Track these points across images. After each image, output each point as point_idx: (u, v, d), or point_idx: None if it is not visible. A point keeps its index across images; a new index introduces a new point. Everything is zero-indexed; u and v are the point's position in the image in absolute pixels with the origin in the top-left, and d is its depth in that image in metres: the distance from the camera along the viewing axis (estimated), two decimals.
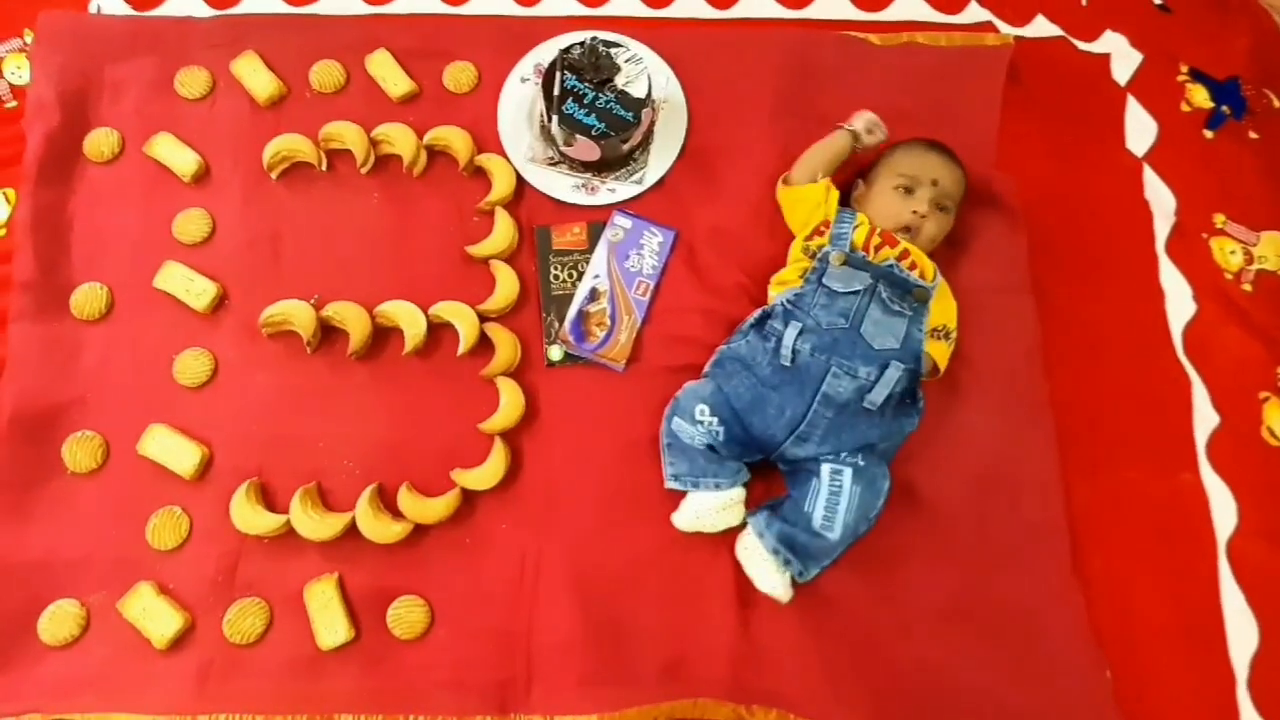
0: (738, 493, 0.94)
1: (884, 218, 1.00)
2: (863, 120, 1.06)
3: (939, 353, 0.98)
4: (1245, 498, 1.00)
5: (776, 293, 1.00)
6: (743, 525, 0.94)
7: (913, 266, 0.97)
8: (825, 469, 0.93)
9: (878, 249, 0.98)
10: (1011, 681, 0.92)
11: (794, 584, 0.91)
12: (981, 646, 0.94)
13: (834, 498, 0.91)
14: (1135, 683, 0.93)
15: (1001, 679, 0.92)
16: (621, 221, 1.08)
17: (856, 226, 0.99)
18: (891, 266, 0.97)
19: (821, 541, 0.90)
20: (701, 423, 0.94)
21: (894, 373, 0.92)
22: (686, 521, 0.94)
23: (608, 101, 1.04)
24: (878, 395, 0.92)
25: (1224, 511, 1.00)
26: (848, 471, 0.92)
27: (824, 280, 0.97)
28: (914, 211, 0.99)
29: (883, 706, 0.91)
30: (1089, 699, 0.92)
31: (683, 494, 0.95)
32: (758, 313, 0.99)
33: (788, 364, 0.94)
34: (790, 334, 0.94)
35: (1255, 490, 1.01)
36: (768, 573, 0.91)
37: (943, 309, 0.99)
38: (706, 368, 1.00)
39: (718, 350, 1.00)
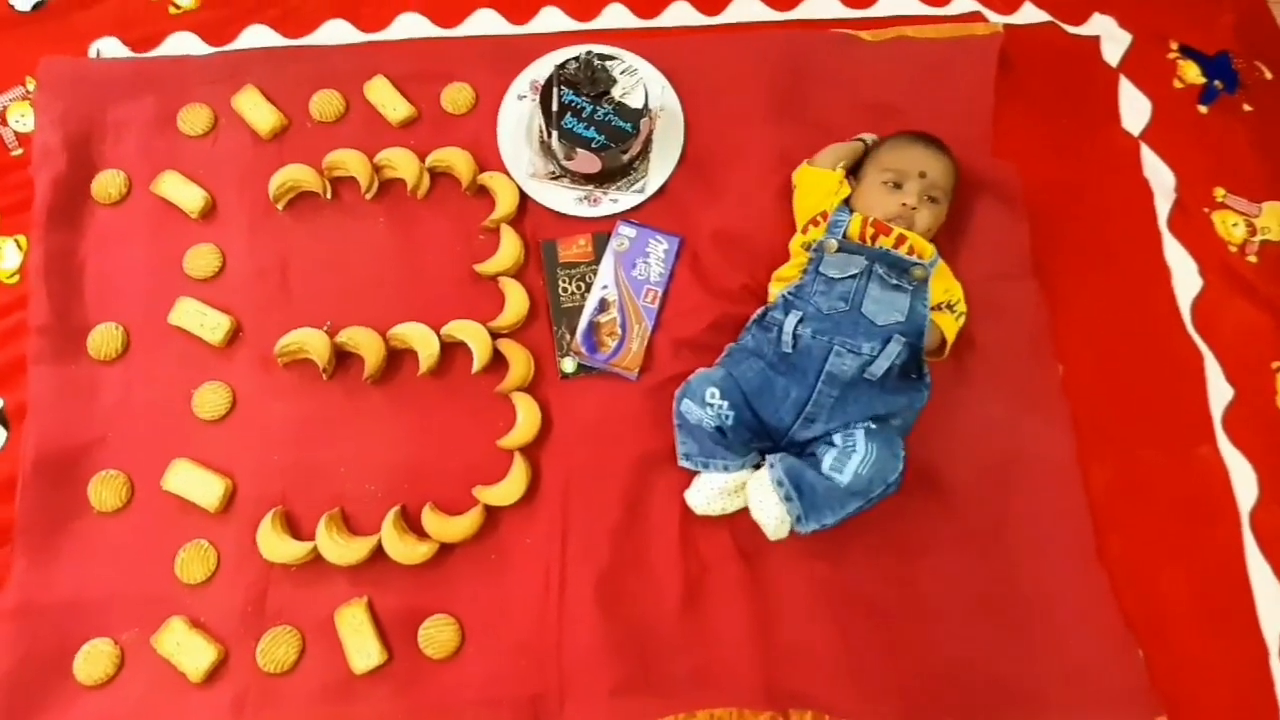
0: (748, 474, 0.94)
1: (875, 211, 1.00)
2: (870, 135, 1.10)
3: (946, 324, 0.98)
4: (1264, 468, 1.00)
5: (777, 289, 1.01)
6: None
7: (910, 251, 0.98)
8: (838, 436, 0.93)
9: (873, 239, 0.98)
10: (1042, 669, 0.92)
11: (791, 531, 0.91)
12: (1009, 635, 0.94)
13: (847, 452, 0.91)
14: (1167, 661, 0.93)
15: (1032, 667, 0.92)
16: (626, 231, 1.09)
17: (851, 219, 1.00)
18: (887, 250, 0.97)
19: (829, 484, 0.90)
20: (711, 405, 0.94)
21: (895, 346, 0.93)
22: (697, 501, 0.94)
23: (606, 114, 1.05)
24: (878, 367, 0.93)
25: (1244, 483, 1.00)
26: (860, 431, 0.92)
27: (820, 269, 0.98)
28: (904, 204, 0.99)
29: (914, 700, 0.91)
30: (1124, 681, 0.92)
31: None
32: (760, 310, 1.00)
33: (789, 350, 0.95)
34: (790, 322, 0.95)
35: (1274, 460, 1.01)
36: (767, 502, 0.91)
37: (944, 286, 0.99)
38: (718, 360, 1.01)
39: (727, 348, 1.01)
